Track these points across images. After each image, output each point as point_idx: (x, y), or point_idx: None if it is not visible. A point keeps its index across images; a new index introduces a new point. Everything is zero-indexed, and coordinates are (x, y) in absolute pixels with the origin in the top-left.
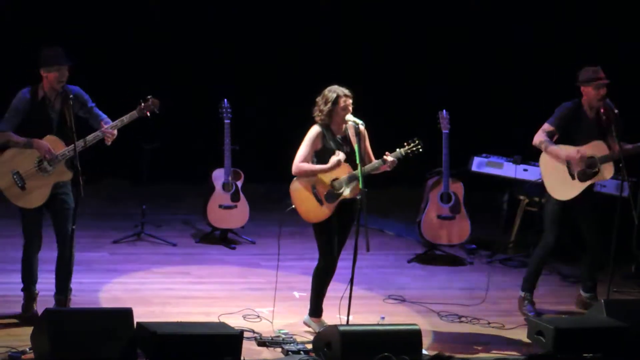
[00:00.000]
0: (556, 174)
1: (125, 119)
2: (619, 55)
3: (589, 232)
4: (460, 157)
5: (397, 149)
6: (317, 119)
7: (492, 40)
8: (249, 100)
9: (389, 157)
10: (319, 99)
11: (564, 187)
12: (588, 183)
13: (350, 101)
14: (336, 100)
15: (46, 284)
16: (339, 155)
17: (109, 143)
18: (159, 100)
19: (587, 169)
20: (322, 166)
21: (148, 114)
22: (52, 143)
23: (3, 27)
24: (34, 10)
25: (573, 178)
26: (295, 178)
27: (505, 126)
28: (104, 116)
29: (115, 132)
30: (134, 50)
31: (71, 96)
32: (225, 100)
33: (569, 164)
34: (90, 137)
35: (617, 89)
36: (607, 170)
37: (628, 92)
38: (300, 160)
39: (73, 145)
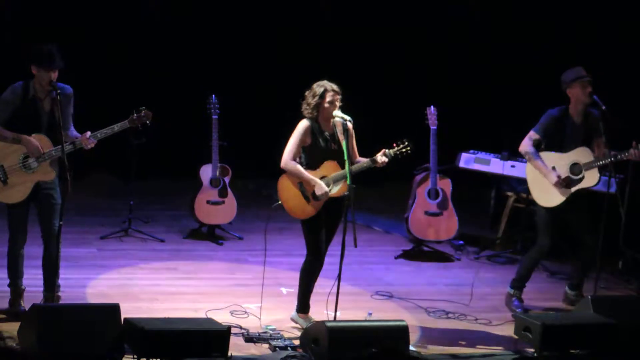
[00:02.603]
0: (542, 182)
1: (116, 127)
2: (614, 55)
3: (582, 233)
4: (447, 154)
5: (387, 150)
6: (305, 113)
7: (482, 38)
8: (237, 96)
9: (380, 158)
10: (307, 93)
11: (549, 195)
12: (572, 190)
13: (338, 97)
14: (323, 94)
15: (33, 279)
16: (327, 189)
17: (87, 148)
18: (150, 109)
19: (572, 176)
20: (309, 176)
21: (140, 126)
22: (40, 141)
23: (3, 27)
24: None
25: None
26: (283, 175)
27: (493, 123)
28: (73, 130)
29: (95, 141)
30: (123, 46)
31: (59, 91)
32: (213, 95)
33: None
34: (78, 141)
35: (615, 89)
36: (593, 177)
37: (626, 91)
38: (289, 156)
39: (60, 145)
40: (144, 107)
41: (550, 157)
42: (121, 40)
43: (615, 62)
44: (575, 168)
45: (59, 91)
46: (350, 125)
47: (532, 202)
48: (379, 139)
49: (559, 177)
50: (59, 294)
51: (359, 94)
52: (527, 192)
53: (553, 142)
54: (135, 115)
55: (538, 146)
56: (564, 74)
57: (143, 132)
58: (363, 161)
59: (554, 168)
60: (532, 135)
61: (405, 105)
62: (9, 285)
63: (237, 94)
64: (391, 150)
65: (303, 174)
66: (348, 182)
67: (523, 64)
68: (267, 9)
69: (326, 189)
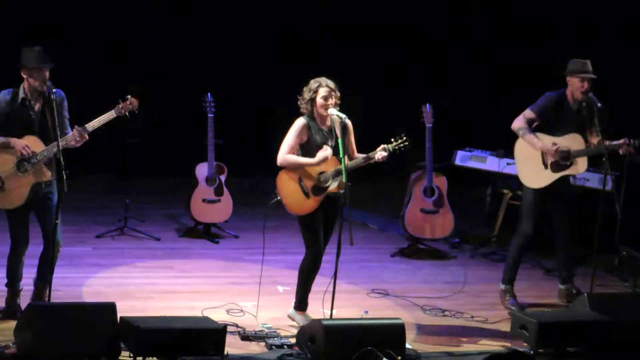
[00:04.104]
0: (529, 162)
1: (102, 119)
2: (614, 55)
3: (561, 222)
4: (443, 151)
5: (385, 145)
6: (301, 108)
7: (477, 36)
8: (232, 94)
9: (380, 153)
10: (304, 89)
11: (535, 175)
12: (560, 174)
13: (333, 94)
14: (317, 89)
15: (30, 278)
16: (327, 151)
17: (78, 145)
18: (138, 98)
19: (561, 161)
20: (309, 160)
21: (127, 114)
22: (31, 143)
23: (3, 27)
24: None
25: (545, 167)
26: (281, 170)
27: (489, 120)
28: (70, 132)
29: (87, 136)
30: (118, 44)
31: (54, 90)
32: (209, 94)
33: (543, 153)
34: (69, 137)
35: (615, 89)
36: (581, 164)
37: (626, 91)
38: (286, 152)
39: (52, 145)
40: (129, 95)
41: (542, 139)
42: (116, 38)
43: (615, 62)
44: (565, 154)
45: (54, 90)
46: (348, 121)
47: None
48: (377, 137)
49: (554, 143)
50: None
51: (358, 93)
52: (519, 184)
53: (547, 124)
54: (121, 104)
55: (530, 126)
56: (572, 60)
57: (139, 132)
58: (359, 157)
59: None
60: (528, 114)
61: (403, 103)
62: (6, 285)
63: (233, 92)
64: (390, 145)
65: (301, 160)
66: (344, 179)
67: (521, 63)
68: (267, 9)
69: (325, 154)
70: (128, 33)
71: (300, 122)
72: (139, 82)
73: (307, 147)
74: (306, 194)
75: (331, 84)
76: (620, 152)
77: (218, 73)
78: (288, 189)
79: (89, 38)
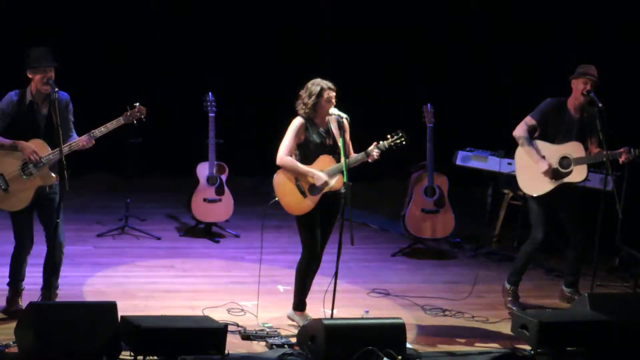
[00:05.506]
0: (529, 169)
1: (111, 125)
2: (614, 55)
3: (571, 227)
4: (444, 151)
5: (380, 142)
6: (301, 112)
7: (477, 36)
8: (233, 93)
9: (374, 151)
10: (302, 93)
11: (535, 183)
12: (559, 182)
13: (333, 93)
14: (320, 93)
15: (31, 277)
16: (327, 178)
17: (84, 148)
18: (144, 104)
19: (560, 169)
20: (305, 168)
21: (135, 121)
22: (37, 146)
23: (3, 27)
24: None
25: (545, 175)
26: (278, 170)
27: (490, 120)
28: (75, 136)
29: (93, 141)
30: (118, 44)
31: (56, 89)
32: (210, 93)
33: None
34: (74, 143)
35: (615, 89)
36: (581, 172)
37: (626, 91)
38: (284, 152)
39: (58, 149)
40: (137, 103)
41: (542, 147)
42: (116, 38)
43: (615, 62)
44: (565, 161)
45: (56, 89)
46: (346, 122)
47: (526, 197)
48: (378, 137)
49: (549, 165)
50: (57, 291)
51: (358, 93)
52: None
53: (548, 131)
54: (129, 111)
55: (532, 133)
56: (580, 66)
57: (140, 131)
58: (357, 155)
59: (544, 157)
60: (529, 120)
61: (404, 103)
62: (8, 284)
63: (233, 91)
64: (385, 142)
65: (299, 167)
66: (344, 179)
67: (521, 63)
68: (267, 9)
69: (325, 178)
70: (128, 33)
71: (297, 122)
72: (139, 82)
73: (305, 147)
74: (303, 194)
75: (330, 84)
76: (621, 161)
77: (218, 73)
78: (285, 189)
79: (89, 38)
